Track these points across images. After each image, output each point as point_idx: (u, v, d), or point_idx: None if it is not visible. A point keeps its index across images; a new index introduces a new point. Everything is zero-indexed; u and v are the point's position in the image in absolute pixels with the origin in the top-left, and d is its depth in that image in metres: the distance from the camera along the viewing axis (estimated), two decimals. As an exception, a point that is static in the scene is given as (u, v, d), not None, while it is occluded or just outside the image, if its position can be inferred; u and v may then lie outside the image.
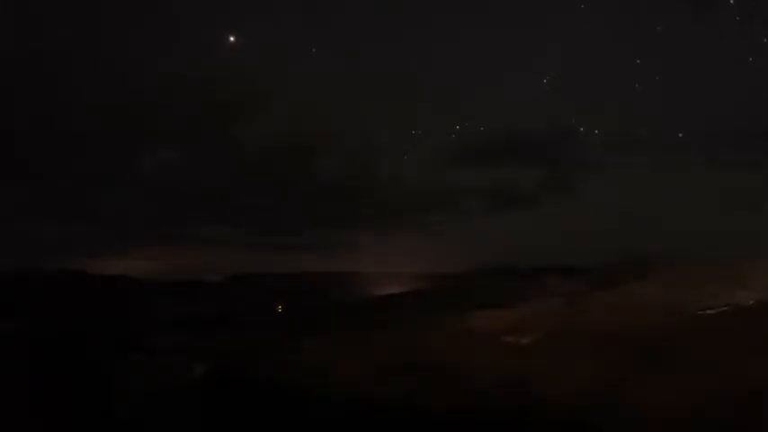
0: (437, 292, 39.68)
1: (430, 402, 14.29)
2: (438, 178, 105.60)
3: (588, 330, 19.49)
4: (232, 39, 59.77)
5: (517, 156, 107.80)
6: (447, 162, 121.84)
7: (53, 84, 75.50)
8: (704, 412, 11.73)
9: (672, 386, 13.39)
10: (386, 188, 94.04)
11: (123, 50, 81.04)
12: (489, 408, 13.58)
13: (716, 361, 14.32)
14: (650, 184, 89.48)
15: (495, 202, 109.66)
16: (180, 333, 27.61)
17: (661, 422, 11.84)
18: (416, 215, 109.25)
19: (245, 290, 52.47)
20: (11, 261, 57.75)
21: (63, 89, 77.95)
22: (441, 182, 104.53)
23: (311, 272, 62.45)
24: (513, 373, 15.98)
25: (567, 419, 12.45)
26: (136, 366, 19.70)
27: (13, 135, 69.29)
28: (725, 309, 21.66)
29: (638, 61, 61.54)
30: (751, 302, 22.05)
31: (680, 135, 68.61)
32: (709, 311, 21.71)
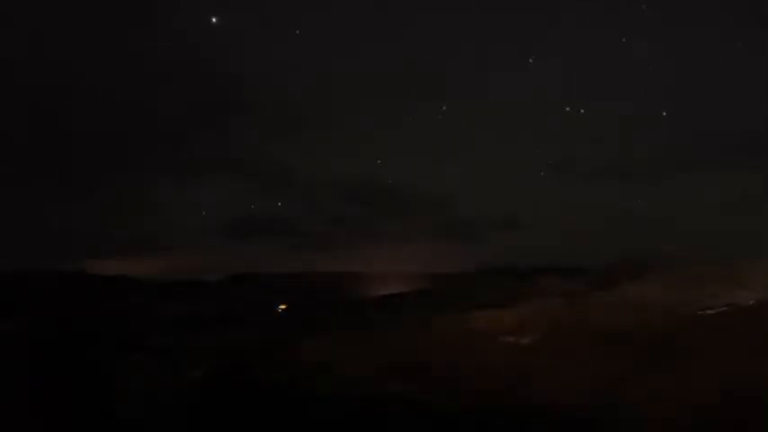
0: (437, 292, 39.65)
1: (430, 402, 14.28)
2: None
3: (588, 330, 19.51)
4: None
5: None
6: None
7: (53, 82, 75.25)
8: (704, 412, 11.74)
9: (672, 386, 13.41)
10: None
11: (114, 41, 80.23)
12: (489, 408, 13.58)
13: (716, 361, 14.35)
14: (650, 183, 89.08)
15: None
16: (180, 333, 27.56)
17: (661, 422, 11.84)
18: (416, 215, 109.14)
19: (245, 290, 52.36)
20: (11, 261, 57.62)
21: (63, 88, 77.67)
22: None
23: (311, 272, 62.33)
24: (514, 373, 16.00)
25: (568, 419, 12.45)
26: (136, 366, 19.65)
27: (12, 135, 69.16)
28: (725, 309, 21.68)
29: (637, 60, 61.58)
30: (751, 302, 22.08)
31: (680, 135, 68.71)
32: (709, 311, 21.73)
